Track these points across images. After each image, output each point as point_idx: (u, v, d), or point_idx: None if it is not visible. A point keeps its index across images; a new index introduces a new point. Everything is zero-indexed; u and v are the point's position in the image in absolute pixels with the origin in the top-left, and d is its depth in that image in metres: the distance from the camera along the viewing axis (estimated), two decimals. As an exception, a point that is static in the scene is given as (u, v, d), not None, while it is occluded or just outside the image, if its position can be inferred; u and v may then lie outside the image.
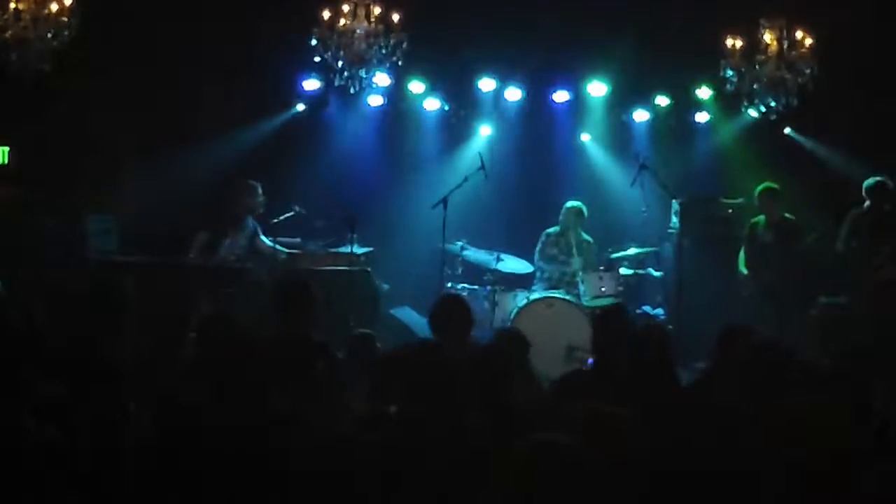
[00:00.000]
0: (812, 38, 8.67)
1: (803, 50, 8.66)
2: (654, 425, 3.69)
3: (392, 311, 9.50)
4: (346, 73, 8.70)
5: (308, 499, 3.44)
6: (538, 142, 11.01)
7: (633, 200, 9.88)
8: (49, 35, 8.03)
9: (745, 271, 9.42)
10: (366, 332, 6.01)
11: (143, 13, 9.66)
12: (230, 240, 9.05)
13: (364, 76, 8.75)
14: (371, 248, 9.50)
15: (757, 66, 8.72)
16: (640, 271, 9.91)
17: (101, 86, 9.70)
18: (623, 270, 9.71)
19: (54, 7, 8.03)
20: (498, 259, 9.64)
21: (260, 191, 9.22)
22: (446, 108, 10.91)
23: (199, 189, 9.89)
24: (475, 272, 9.86)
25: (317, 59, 8.78)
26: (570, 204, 9.85)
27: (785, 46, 8.69)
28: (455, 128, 11.01)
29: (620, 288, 9.46)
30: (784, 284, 9.14)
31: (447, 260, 9.64)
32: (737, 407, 4.14)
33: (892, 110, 9.80)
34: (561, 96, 10.81)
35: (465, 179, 9.56)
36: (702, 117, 10.82)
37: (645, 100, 10.77)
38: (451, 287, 9.54)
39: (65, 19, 8.07)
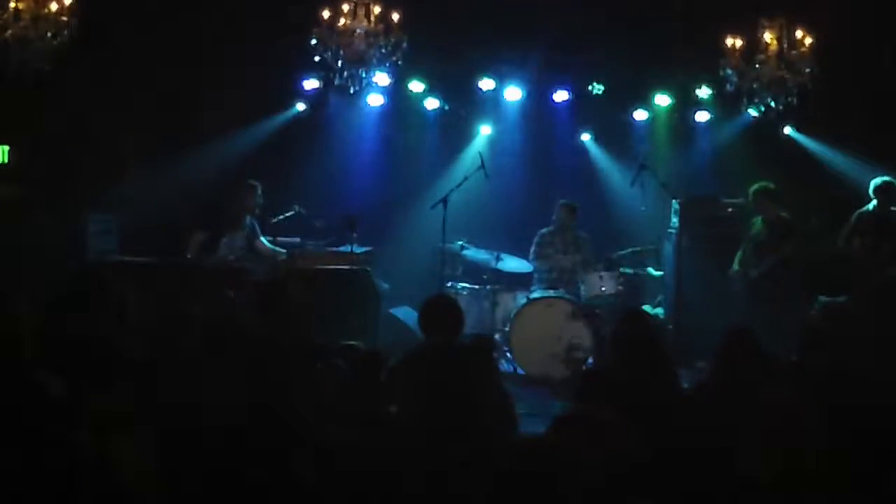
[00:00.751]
0: (812, 38, 8.66)
1: (803, 50, 8.66)
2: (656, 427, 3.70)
3: (392, 311, 9.50)
4: (346, 73, 8.70)
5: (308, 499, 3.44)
6: (538, 142, 11.01)
7: (633, 200, 9.89)
8: (49, 35, 8.03)
9: (736, 268, 9.42)
10: (374, 351, 5.91)
11: (143, 13, 9.66)
12: (228, 239, 9.06)
13: (364, 76, 8.75)
14: (371, 248, 9.51)
15: (757, 66, 8.71)
16: (640, 271, 9.91)
17: (101, 86, 9.70)
18: (623, 270, 9.71)
19: (54, 7, 8.03)
20: (498, 259, 9.64)
21: (259, 191, 9.24)
22: (446, 108, 10.91)
23: (199, 189, 9.89)
24: (475, 272, 9.87)
25: (317, 58, 8.78)
26: (562, 201, 9.87)
27: (785, 46, 8.69)
28: (455, 128, 11.01)
29: (620, 287, 9.46)
30: (770, 283, 9.15)
31: (447, 260, 9.65)
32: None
33: (892, 110, 9.80)
34: (561, 96, 10.81)
35: (465, 179, 9.57)
36: (702, 117, 10.82)
37: (645, 100, 10.77)
38: (451, 287, 9.54)
39: (65, 19, 8.07)
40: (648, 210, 9.67)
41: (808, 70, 8.64)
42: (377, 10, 8.56)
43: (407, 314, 9.49)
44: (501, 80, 10.68)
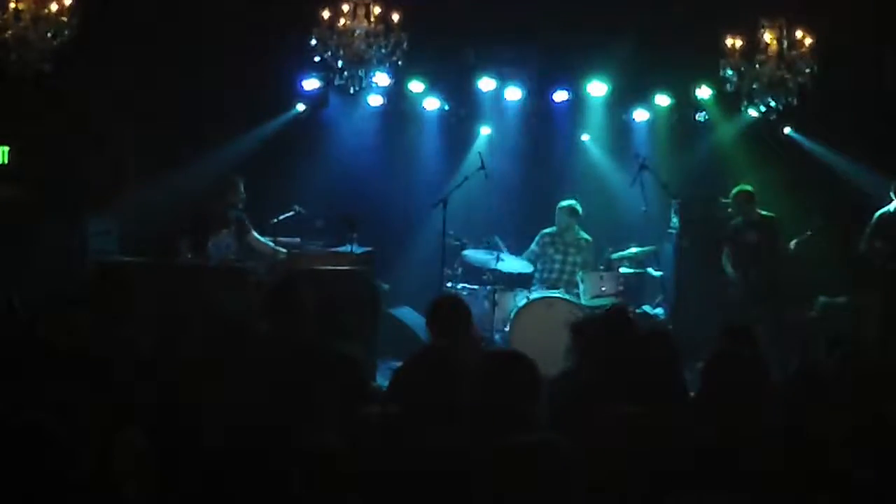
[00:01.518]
0: (812, 38, 8.67)
1: (803, 50, 8.66)
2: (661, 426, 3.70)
3: (392, 311, 9.49)
4: (346, 73, 8.70)
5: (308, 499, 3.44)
6: (538, 142, 11.01)
7: (633, 200, 9.88)
8: (49, 35, 8.03)
9: (731, 272, 9.41)
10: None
11: (143, 13, 9.66)
12: (214, 240, 8.99)
13: (364, 76, 8.75)
14: (371, 248, 9.50)
15: (757, 66, 8.72)
16: (640, 271, 9.91)
17: (101, 86, 9.70)
18: (623, 270, 9.71)
19: (54, 7, 8.03)
20: (498, 259, 9.64)
21: (241, 185, 9.15)
22: (446, 108, 10.91)
23: (199, 189, 9.88)
24: (475, 272, 9.86)
25: (317, 59, 8.78)
26: (563, 203, 9.86)
27: (785, 46, 8.69)
28: (455, 128, 11.01)
29: (620, 287, 9.46)
30: (774, 283, 9.16)
31: (447, 260, 9.64)
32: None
33: (892, 110, 9.80)
34: (561, 96, 10.81)
35: (466, 179, 9.57)
36: (702, 117, 10.82)
37: (645, 100, 10.77)
38: (452, 287, 9.54)
39: (65, 19, 8.07)
40: (648, 210, 9.67)
41: (808, 70, 8.65)
42: (377, 10, 8.56)
43: (407, 314, 9.50)
44: (501, 80, 10.68)
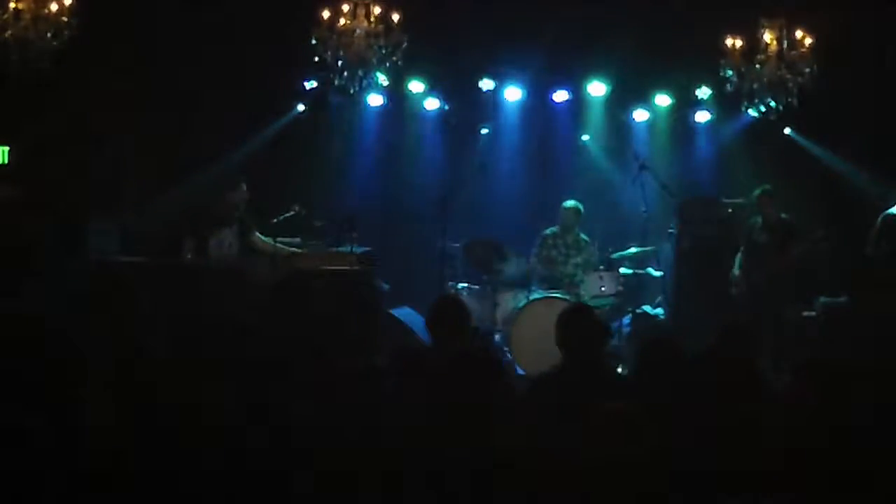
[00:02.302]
0: (812, 38, 8.67)
1: (803, 50, 8.67)
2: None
3: (392, 311, 9.49)
4: (346, 73, 8.70)
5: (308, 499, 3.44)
6: (538, 142, 11.01)
7: (633, 200, 9.89)
8: (49, 35, 8.04)
9: (737, 272, 9.40)
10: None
11: (143, 13, 9.66)
12: (216, 240, 8.98)
13: (364, 76, 8.75)
14: (371, 248, 9.50)
15: (757, 66, 8.72)
16: (640, 271, 9.91)
17: (101, 86, 9.70)
18: (623, 270, 9.71)
19: (54, 7, 8.04)
20: (498, 252, 9.62)
21: (244, 187, 9.16)
22: (446, 108, 10.92)
23: (199, 189, 9.89)
24: (475, 272, 9.86)
25: (317, 59, 8.78)
26: (567, 203, 9.85)
27: (785, 46, 8.70)
28: (455, 128, 11.01)
29: (620, 288, 9.46)
30: (774, 286, 9.14)
31: (447, 260, 9.64)
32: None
33: (892, 110, 9.80)
34: (561, 96, 10.81)
35: (466, 179, 9.57)
36: (702, 117, 10.82)
37: (645, 100, 10.77)
38: (452, 287, 9.54)
39: (65, 19, 8.08)
40: (648, 210, 9.67)
41: (808, 70, 8.65)
42: (377, 10, 8.57)
43: (407, 314, 9.49)
44: (501, 80, 10.68)
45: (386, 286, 9.54)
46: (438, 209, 9.43)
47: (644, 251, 9.81)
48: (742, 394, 4.22)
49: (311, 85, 10.52)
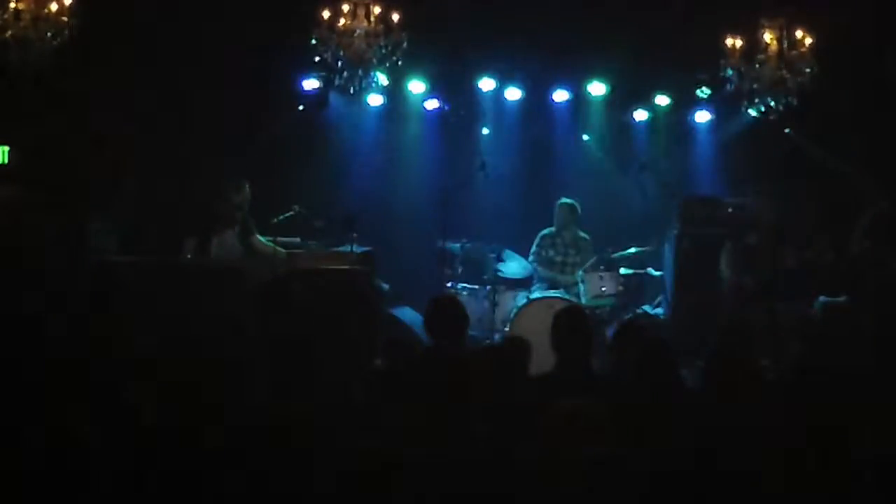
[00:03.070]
0: (812, 38, 8.67)
1: (803, 50, 8.67)
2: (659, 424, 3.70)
3: (392, 311, 9.49)
4: (346, 73, 8.70)
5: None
6: (538, 142, 11.01)
7: (633, 200, 9.89)
8: (49, 35, 8.04)
9: (726, 272, 9.37)
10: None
11: (142, 13, 9.66)
12: (217, 240, 8.99)
13: (364, 76, 8.75)
14: (371, 248, 9.50)
15: (757, 66, 8.72)
16: (640, 271, 9.91)
17: (101, 86, 9.70)
18: (623, 270, 9.71)
19: (54, 7, 8.04)
20: (498, 259, 9.63)
21: (247, 187, 9.17)
22: (446, 108, 10.91)
23: (199, 189, 9.88)
24: (475, 272, 9.86)
25: (317, 59, 8.78)
26: (562, 201, 9.85)
27: (785, 46, 8.69)
28: (455, 128, 11.00)
29: (620, 288, 9.46)
30: (767, 286, 9.14)
31: (447, 260, 9.64)
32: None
33: (891, 110, 9.80)
34: (561, 96, 10.81)
35: (466, 179, 9.57)
36: (702, 117, 10.82)
37: (645, 100, 10.77)
38: (452, 287, 9.54)
39: (65, 19, 8.08)
40: (648, 210, 9.67)
41: (808, 70, 8.65)
42: (377, 10, 8.57)
43: (407, 314, 9.49)
44: (501, 80, 10.68)
45: (386, 286, 9.55)
46: (438, 209, 9.44)
47: (644, 251, 9.81)
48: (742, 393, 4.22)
49: (311, 85, 10.51)
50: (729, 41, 8.76)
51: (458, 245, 9.71)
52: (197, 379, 4.30)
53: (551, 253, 9.85)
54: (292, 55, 9.78)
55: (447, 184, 9.81)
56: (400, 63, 8.74)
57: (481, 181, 9.70)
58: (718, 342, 5.06)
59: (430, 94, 10.76)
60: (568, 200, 9.85)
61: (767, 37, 8.68)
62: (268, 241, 9.21)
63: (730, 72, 8.76)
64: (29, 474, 3.27)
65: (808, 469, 3.49)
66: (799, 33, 8.67)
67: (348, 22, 8.58)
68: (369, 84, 9.09)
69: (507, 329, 9.26)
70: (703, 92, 10.23)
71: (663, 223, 10.07)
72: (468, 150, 10.66)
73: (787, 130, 10.47)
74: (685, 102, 10.71)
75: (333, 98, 10.56)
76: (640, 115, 10.89)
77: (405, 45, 8.58)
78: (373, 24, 8.56)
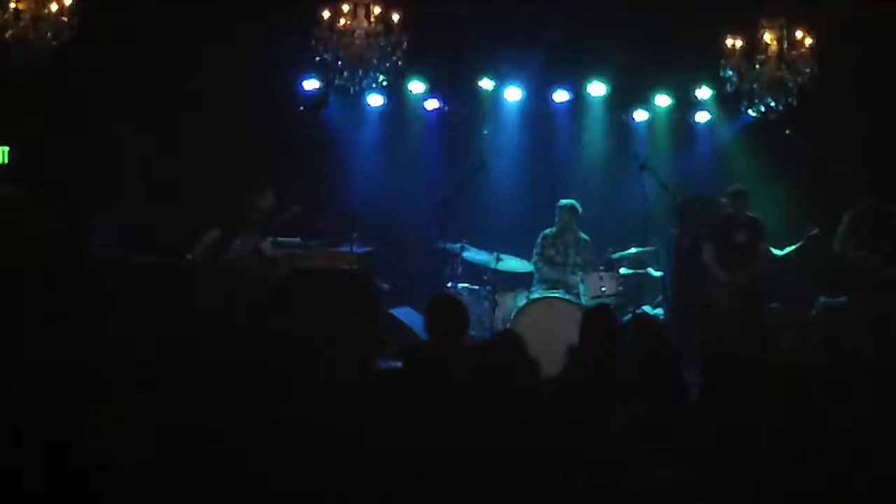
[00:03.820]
0: (812, 38, 8.67)
1: (803, 50, 8.67)
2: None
3: (392, 311, 9.50)
4: (346, 73, 8.70)
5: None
6: (538, 142, 11.01)
7: (633, 200, 9.88)
8: (49, 35, 8.04)
9: (717, 272, 9.35)
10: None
11: (142, 14, 9.66)
12: (241, 240, 8.96)
13: (364, 76, 8.75)
14: (371, 248, 9.50)
15: (757, 66, 8.72)
16: (640, 271, 9.91)
17: (101, 86, 9.70)
18: (623, 270, 9.71)
19: (54, 7, 8.04)
20: (498, 259, 9.63)
21: (270, 193, 9.14)
22: (446, 108, 10.91)
23: (198, 188, 9.89)
24: (475, 272, 9.86)
25: (317, 59, 8.78)
26: (563, 202, 9.84)
27: (785, 46, 8.70)
28: (455, 128, 11.00)
29: (620, 288, 9.46)
30: (757, 283, 9.16)
31: (447, 260, 9.65)
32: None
33: (891, 110, 9.80)
34: (561, 96, 10.81)
35: (466, 179, 9.57)
36: (702, 117, 10.82)
37: (645, 100, 10.77)
38: (452, 287, 9.54)
39: (65, 19, 8.08)
40: (648, 210, 9.66)
41: (808, 70, 8.65)
42: (377, 10, 8.57)
43: (407, 314, 9.50)
44: (501, 80, 10.68)
45: (386, 286, 9.55)
46: (438, 209, 9.44)
47: (644, 251, 9.80)
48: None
49: (311, 85, 10.51)
50: (729, 41, 8.76)
51: (458, 245, 9.70)
52: (196, 379, 4.31)
53: (551, 252, 9.85)
54: (292, 55, 9.78)
55: (447, 184, 9.81)
56: (400, 63, 8.74)
57: (481, 181, 9.70)
58: (736, 343, 5.05)
59: (430, 94, 10.77)
60: (568, 201, 9.84)
61: (767, 37, 8.68)
62: (268, 241, 9.21)
63: (730, 72, 8.76)
64: (29, 474, 3.27)
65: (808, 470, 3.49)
66: (799, 33, 8.68)
67: (348, 22, 8.58)
68: (369, 84, 9.08)
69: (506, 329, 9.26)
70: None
71: (663, 223, 10.07)
72: (468, 150, 10.66)
73: (787, 130, 10.48)
74: (685, 102, 10.71)
75: (333, 98, 10.57)
76: (640, 115, 10.90)
77: (405, 45, 8.58)
78: (373, 24, 8.56)
